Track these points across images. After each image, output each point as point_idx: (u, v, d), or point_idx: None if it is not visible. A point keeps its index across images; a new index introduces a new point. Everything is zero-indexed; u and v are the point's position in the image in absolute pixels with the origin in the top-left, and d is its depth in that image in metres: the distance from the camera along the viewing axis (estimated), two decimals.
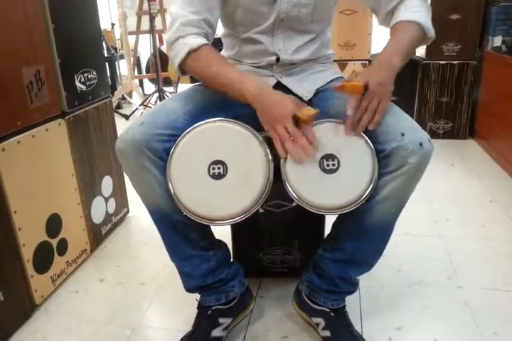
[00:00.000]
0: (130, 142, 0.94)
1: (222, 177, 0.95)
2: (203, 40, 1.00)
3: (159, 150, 0.95)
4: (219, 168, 0.95)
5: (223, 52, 1.21)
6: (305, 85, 1.14)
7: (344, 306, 1.14)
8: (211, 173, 0.95)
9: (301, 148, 0.89)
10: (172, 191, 0.96)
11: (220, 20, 1.14)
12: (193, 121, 0.99)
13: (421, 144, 0.90)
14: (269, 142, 0.96)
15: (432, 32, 1.05)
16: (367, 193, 0.93)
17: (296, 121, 0.91)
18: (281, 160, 0.95)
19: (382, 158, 0.93)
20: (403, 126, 0.93)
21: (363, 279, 1.15)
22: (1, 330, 1.18)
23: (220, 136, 0.97)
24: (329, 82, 1.17)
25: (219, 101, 1.08)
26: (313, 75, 1.16)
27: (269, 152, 0.95)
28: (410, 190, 0.96)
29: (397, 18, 1.04)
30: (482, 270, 1.45)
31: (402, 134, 0.91)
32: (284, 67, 1.14)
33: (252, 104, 0.93)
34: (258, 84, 0.94)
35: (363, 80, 0.91)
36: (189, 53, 0.99)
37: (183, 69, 1.03)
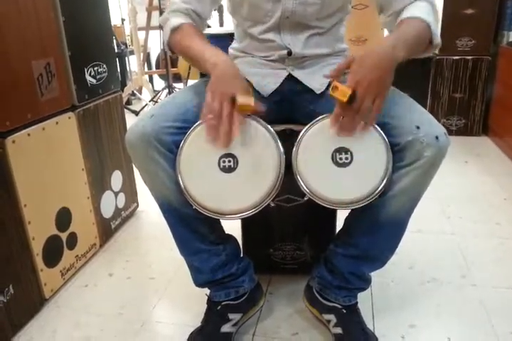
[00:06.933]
0: (140, 134, 0.93)
1: (232, 170, 0.94)
2: (184, 20, 1.05)
3: (169, 142, 0.94)
4: (229, 161, 0.93)
5: (234, 44, 1.20)
6: (317, 78, 1.11)
7: (356, 303, 1.13)
8: (221, 166, 0.94)
9: (221, 134, 0.88)
10: (181, 184, 0.95)
11: (230, 13, 1.15)
12: None
13: (437, 137, 0.88)
14: (280, 135, 0.94)
15: (438, 38, 0.96)
16: (381, 187, 0.91)
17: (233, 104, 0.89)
18: (293, 154, 0.93)
19: (397, 151, 0.90)
20: (418, 119, 0.91)
21: (375, 276, 1.13)
22: (11, 323, 1.18)
23: None
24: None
25: None
26: (325, 68, 1.14)
27: (280, 145, 0.93)
28: (425, 184, 0.94)
29: (402, 16, 0.97)
30: (496, 268, 1.42)
31: (418, 127, 0.89)
32: (295, 60, 1.12)
33: (210, 75, 0.94)
34: (220, 57, 0.96)
35: (351, 85, 0.83)
36: (172, 32, 1.04)
37: (170, 48, 1.09)
